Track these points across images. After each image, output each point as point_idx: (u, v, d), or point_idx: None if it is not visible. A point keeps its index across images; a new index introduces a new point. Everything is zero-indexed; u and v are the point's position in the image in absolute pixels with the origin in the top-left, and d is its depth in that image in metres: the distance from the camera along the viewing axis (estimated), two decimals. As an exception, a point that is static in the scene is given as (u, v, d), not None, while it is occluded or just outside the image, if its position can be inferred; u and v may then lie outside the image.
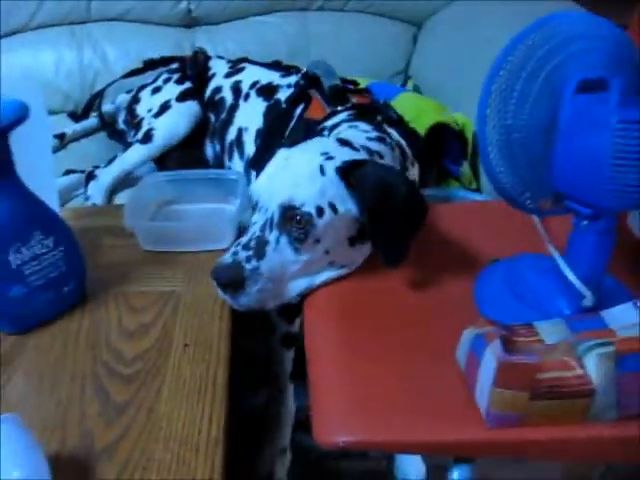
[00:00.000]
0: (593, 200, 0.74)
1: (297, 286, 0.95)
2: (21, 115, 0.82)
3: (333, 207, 0.91)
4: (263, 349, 1.20)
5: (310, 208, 0.90)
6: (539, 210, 0.80)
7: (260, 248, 0.91)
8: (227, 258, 0.91)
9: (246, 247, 0.91)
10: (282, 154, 0.98)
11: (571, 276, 0.79)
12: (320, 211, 0.90)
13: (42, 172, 1.02)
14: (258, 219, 0.94)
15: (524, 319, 0.76)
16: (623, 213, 0.95)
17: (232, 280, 0.89)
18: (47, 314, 0.93)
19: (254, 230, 0.93)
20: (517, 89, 0.73)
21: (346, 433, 0.74)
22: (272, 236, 0.92)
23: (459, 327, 0.78)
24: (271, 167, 0.97)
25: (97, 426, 0.77)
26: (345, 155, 0.95)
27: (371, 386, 0.80)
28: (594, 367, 0.67)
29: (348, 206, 0.92)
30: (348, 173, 0.92)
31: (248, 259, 0.90)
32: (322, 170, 0.92)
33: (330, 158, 0.94)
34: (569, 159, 0.74)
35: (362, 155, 0.97)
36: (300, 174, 0.93)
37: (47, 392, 0.82)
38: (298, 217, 0.90)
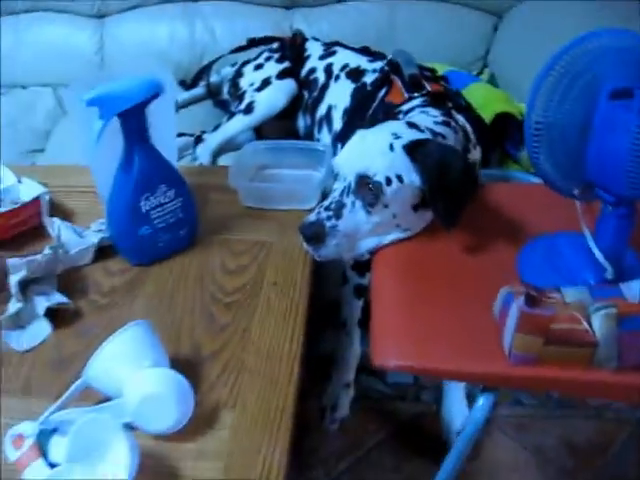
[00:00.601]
0: (615, 189, 0.86)
1: (368, 243, 1.09)
2: (157, 91, 0.97)
3: (399, 178, 1.04)
4: (334, 298, 1.35)
5: (381, 178, 1.04)
6: (573, 194, 0.92)
7: (339, 210, 1.06)
8: (312, 217, 1.07)
9: (327, 209, 1.07)
10: (360, 134, 1.12)
11: (596, 252, 0.91)
12: (389, 181, 1.04)
13: (167, 136, 1.19)
14: (338, 186, 1.09)
15: (556, 286, 0.88)
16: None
17: (315, 235, 1.05)
18: (165, 252, 1.10)
19: (334, 195, 1.09)
20: (559, 92, 0.85)
21: (398, 358, 0.90)
22: (349, 200, 1.07)
23: (501, 286, 0.89)
24: (350, 144, 1.12)
25: (203, 339, 0.94)
26: (411, 135, 1.07)
27: (423, 324, 0.94)
28: (598, 324, 0.80)
29: (412, 178, 1.05)
30: (413, 150, 1.04)
31: (329, 218, 1.06)
32: (391, 147, 1.05)
33: (398, 137, 1.06)
34: (598, 154, 0.86)
35: (426, 136, 1.09)
36: (373, 150, 1.07)
37: (164, 311, 1.00)
38: (370, 185, 1.05)
